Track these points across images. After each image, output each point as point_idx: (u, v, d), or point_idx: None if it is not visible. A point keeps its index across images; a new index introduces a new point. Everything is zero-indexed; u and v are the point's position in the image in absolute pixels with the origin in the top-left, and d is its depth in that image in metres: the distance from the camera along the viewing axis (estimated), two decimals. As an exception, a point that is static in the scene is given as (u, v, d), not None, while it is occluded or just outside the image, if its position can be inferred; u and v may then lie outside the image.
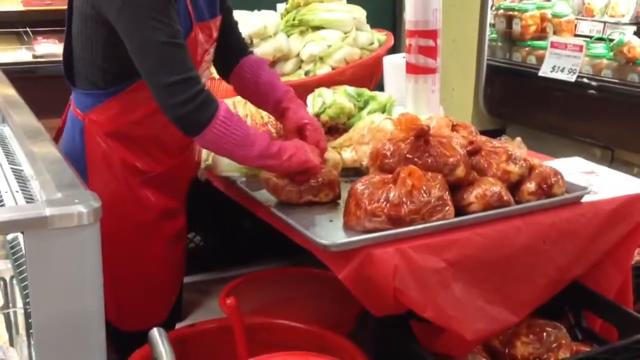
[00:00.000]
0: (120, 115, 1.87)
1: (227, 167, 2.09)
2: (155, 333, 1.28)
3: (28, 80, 3.48)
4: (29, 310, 1.15)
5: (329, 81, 2.70)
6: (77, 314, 1.15)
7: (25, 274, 1.13)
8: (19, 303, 1.19)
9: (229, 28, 2.09)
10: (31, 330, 1.16)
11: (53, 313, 1.14)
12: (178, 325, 2.25)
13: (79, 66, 1.90)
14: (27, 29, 3.87)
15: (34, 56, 3.75)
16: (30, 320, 1.15)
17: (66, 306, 1.14)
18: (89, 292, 1.16)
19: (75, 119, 1.94)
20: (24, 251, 1.12)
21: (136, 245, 1.98)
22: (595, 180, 2.05)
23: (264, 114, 2.56)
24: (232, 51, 2.12)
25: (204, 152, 2.22)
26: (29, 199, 1.26)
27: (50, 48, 3.76)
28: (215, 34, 1.98)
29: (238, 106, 2.51)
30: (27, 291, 1.14)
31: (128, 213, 1.94)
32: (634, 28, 3.86)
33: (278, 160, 1.79)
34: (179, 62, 1.69)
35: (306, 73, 2.82)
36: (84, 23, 1.82)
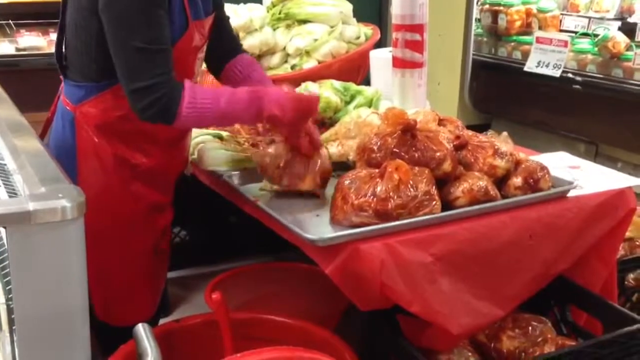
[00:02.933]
0: (111, 109, 1.85)
1: (213, 161, 2.08)
2: (141, 329, 1.27)
3: (11, 74, 3.45)
4: (11, 306, 1.14)
5: (316, 75, 2.69)
6: (61, 310, 1.14)
7: (8, 270, 1.12)
8: (2, 299, 1.18)
9: (221, 24, 2.08)
10: (14, 327, 1.15)
11: (36, 309, 1.13)
12: (163, 321, 2.24)
13: (72, 57, 1.88)
14: (10, 21, 3.83)
15: (17, 49, 3.71)
16: (13, 316, 1.14)
17: (50, 302, 1.13)
18: (73, 287, 1.15)
19: (66, 111, 1.91)
20: (6, 246, 1.10)
21: (125, 238, 1.96)
22: (581, 175, 2.06)
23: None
24: (224, 49, 2.11)
25: (190, 146, 2.21)
26: (12, 193, 1.24)
27: (34, 41, 3.72)
28: (208, 32, 1.97)
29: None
30: (9, 287, 1.13)
31: (118, 206, 1.92)
32: (619, 23, 3.88)
33: (266, 100, 1.78)
34: (148, 69, 1.69)
35: (292, 67, 2.80)
36: (79, 13, 1.80)
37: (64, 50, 1.92)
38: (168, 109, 1.71)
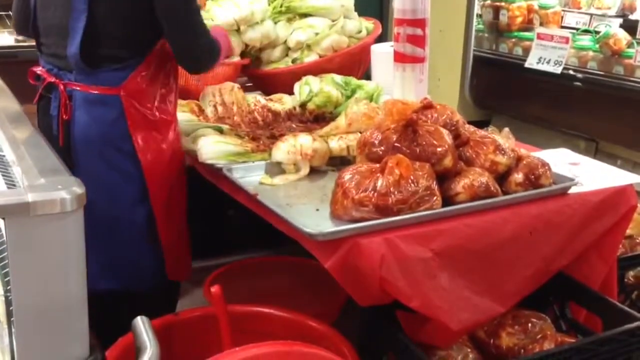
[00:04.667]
0: (147, 79, 2.03)
1: (213, 154, 2.07)
2: (139, 322, 1.26)
3: (10, 65, 3.43)
4: (10, 298, 1.13)
5: (316, 69, 2.68)
6: (60, 302, 1.14)
7: (7, 261, 1.11)
8: (0, 290, 1.17)
9: None
10: (12, 318, 1.14)
11: (35, 300, 1.12)
12: (162, 314, 2.23)
13: (103, 49, 1.98)
14: (10, 12, 3.81)
15: (16, 40, 3.69)
16: (11, 308, 1.13)
17: (48, 293, 1.13)
18: (71, 279, 1.15)
19: (103, 97, 1.99)
20: (5, 238, 1.09)
21: (180, 197, 2.21)
22: (582, 172, 2.05)
23: (251, 101, 2.55)
24: None
25: (190, 139, 2.20)
26: (11, 184, 1.24)
27: (33, 32, 3.70)
28: None
29: (224, 93, 2.49)
30: (8, 278, 1.12)
31: (171, 167, 2.13)
32: (620, 20, 3.87)
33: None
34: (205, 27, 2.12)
35: (293, 61, 2.79)
36: (124, 3, 1.97)
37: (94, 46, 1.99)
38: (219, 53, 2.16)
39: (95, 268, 2.03)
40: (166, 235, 2.14)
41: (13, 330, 1.15)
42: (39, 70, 2.09)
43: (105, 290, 2.03)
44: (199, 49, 2.07)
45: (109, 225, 2.04)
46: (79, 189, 1.10)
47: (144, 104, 2.04)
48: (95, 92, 1.99)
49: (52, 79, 2.03)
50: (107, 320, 1.89)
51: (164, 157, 2.10)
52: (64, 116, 2.00)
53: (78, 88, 2.00)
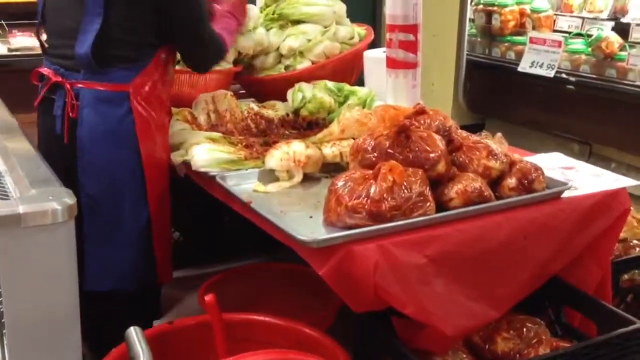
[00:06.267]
0: (153, 79, 2.10)
1: (206, 162, 2.07)
2: (132, 332, 1.26)
3: (3, 74, 3.43)
4: (1, 310, 1.13)
5: (309, 76, 2.68)
6: (52, 313, 1.13)
7: (-2, 273, 1.10)
8: (-8, 302, 1.17)
9: None
10: (4, 330, 1.14)
11: (27, 312, 1.12)
12: (157, 323, 2.22)
13: (116, 48, 2.04)
14: (3, 22, 3.81)
15: (10, 49, 3.69)
16: (2, 320, 1.12)
17: (40, 305, 1.12)
18: (63, 290, 1.14)
19: (113, 94, 2.05)
20: (-4, 249, 1.09)
21: (170, 197, 2.23)
22: (575, 176, 2.05)
23: (244, 109, 2.54)
24: None
25: (182, 148, 2.20)
26: (2, 195, 1.23)
27: (26, 41, 3.71)
28: None
29: (217, 101, 2.48)
30: (-1, 290, 1.12)
31: (166, 164, 2.19)
32: (612, 24, 3.89)
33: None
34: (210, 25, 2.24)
35: (286, 67, 2.79)
36: (132, 6, 2.03)
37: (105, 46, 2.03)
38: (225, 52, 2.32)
39: (95, 268, 2.05)
40: (159, 237, 2.17)
41: (5, 341, 1.15)
42: (44, 70, 2.13)
43: (103, 292, 2.07)
44: (207, 55, 2.24)
45: (111, 223, 2.07)
46: (69, 199, 1.10)
47: (149, 104, 2.10)
48: (104, 89, 2.04)
49: (58, 79, 2.07)
50: (94, 320, 1.93)
51: (162, 158, 2.16)
52: (71, 114, 2.04)
53: (86, 86, 2.04)
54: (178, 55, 2.31)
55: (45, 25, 2.19)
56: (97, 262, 2.07)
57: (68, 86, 2.05)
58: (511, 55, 4.27)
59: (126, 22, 2.04)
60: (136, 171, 2.08)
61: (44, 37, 2.25)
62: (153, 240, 2.15)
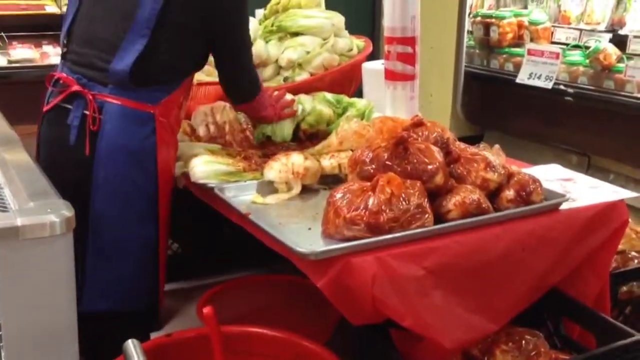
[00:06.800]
0: (177, 104, 2.13)
1: (205, 174, 2.07)
2: (130, 345, 1.26)
3: (2, 86, 3.44)
4: (-1, 323, 1.12)
5: (308, 87, 2.69)
6: (50, 326, 1.13)
7: (-4, 285, 1.10)
8: (-11, 315, 1.16)
9: None
10: (2, 343, 1.13)
11: (25, 325, 1.12)
12: (155, 335, 2.22)
13: (155, 69, 2.05)
14: (3, 33, 3.82)
15: (9, 61, 3.70)
16: (0, 333, 1.12)
17: (38, 318, 1.12)
18: (61, 303, 1.14)
19: (139, 113, 2.03)
20: (-6, 262, 1.09)
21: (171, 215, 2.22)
22: (573, 188, 2.06)
23: (242, 120, 2.55)
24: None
25: (181, 160, 2.20)
26: (0, 208, 1.23)
27: (26, 53, 3.71)
28: None
29: (216, 113, 2.49)
30: (-3, 303, 1.12)
31: (172, 184, 2.19)
32: (610, 35, 3.90)
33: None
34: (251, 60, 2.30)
35: (285, 79, 2.80)
36: (181, 31, 2.06)
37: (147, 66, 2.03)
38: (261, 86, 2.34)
39: (95, 286, 2.03)
40: (163, 255, 2.15)
41: (2, 354, 1.14)
42: (61, 75, 2.07)
43: (103, 311, 2.04)
44: (247, 84, 2.28)
45: (118, 240, 2.05)
46: (68, 212, 1.10)
47: (170, 126, 2.10)
48: (132, 107, 2.02)
49: (79, 88, 2.02)
50: (91, 333, 1.91)
51: (172, 177, 2.17)
52: (92, 127, 2.00)
53: (112, 100, 2.01)
54: None
55: (73, 30, 2.13)
56: (98, 279, 2.05)
57: (90, 97, 2.00)
58: (509, 66, 4.28)
59: (171, 47, 2.04)
60: (150, 191, 2.05)
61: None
62: (159, 259, 2.13)
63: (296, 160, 2.02)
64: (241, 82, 2.28)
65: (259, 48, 2.76)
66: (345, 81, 2.83)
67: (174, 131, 2.15)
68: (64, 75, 2.07)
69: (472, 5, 4.61)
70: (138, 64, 1.98)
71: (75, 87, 2.02)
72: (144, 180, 2.04)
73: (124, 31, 2.00)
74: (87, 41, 2.09)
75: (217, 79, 2.60)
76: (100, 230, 2.02)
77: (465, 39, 4.39)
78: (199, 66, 2.19)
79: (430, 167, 1.75)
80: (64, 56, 2.16)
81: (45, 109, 2.10)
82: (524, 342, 1.85)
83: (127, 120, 2.02)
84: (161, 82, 2.06)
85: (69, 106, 2.03)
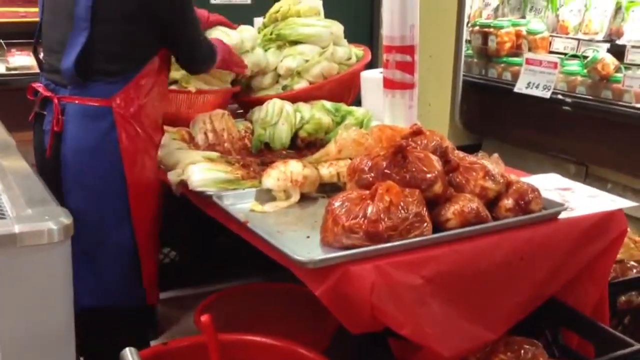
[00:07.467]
0: (136, 95, 2.08)
1: (202, 181, 2.07)
2: (128, 353, 1.25)
3: (1, 93, 3.44)
4: (-4, 330, 1.12)
5: (307, 96, 2.69)
6: (47, 334, 1.13)
7: (-7, 293, 1.10)
8: (-13, 322, 1.16)
9: None
10: (-2, 351, 1.13)
11: (22, 331, 1.11)
12: (152, 343, 2.21)
13: (99, 61, 2.04)
14: (1, 41, 3.82)
15: (8, 68, 3.70)
16: (-3, 340, 1.12)
17: (35, 325, 1.12)
18: (59, 310, 1.14)
19: (94, 108, 2.03)
20: (-9, 269, 1.09)
21: (160, 218, 2.23)
22: (572, 197, 2.06)
23: (241, 128, 2.55)
24: None
25: (179, 167, 2.20)
26: (-2, 214, 1.23)
27: (24, 60, 3.71)
28: None
29: (215, 120, 2.49)
30: (-6, 310, 1.11)
31: (154, 181, 2.19)
32: (608, 45, 3.90)
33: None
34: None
35: (284, 88, 2.80)
36: (121, 20, 2.04)
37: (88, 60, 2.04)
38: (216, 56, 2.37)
39: (78, 285, 2.03)
40: (145, 257, 2.16)
41: (-1, 362, 1.14)
42: (37, 85, 2.15)
43: (87, 308, 2.03)
44: (200, 58, 2.29)
45: (96, 240, 2.06)
46: (66, 219, 1.10)
47: (137, 121, 2.08)
48: (89, 104, 2.04)
49: (48, 94, 2.09)
50: (88, 341, 1.92)
51: (149, 177, 2.16)
52: (56, 128, 2.04)
53: (71, 101, 2.04)
54: (171, 75, 2.34)
55: (42, 41, 2.22)
56: (80, 278, 2.05)
57: (56, 101, 2.05)
58: (507, 76, 4.28)
59: (113, 35, 2.04)
60: (119, 188, 2.06)
61: (41, 54, 2.26)
62: (140, 259, 2.14)
63: (295, 168, 2.01)
64: (195, 60, 2.29)
65: (258, 57, 2.76)
66: (343, 90, 2.83)
67: (142, 123, 2.11)
68: (39, 84, 2.16)
69: (470, 14, 4.62)
70: (82, 59, 2.01)
71: (45, 93, 2.09)
72: (111, 177, 2.05)
73: (69, 30, 2.04)
74: (49, 48, 2.17)
75: (215, 88, 2.61)
76: (80, 233, 2.02)
77: (464, 48, 4.39)
78: (154, 53, 2.13)
79: (429, 175, 1.75)
80: (40, 67, 2.25)
81: (29, 118, 2.17)
82: (522, 351, 1.85)
83: (86, 118, 2.05)
84: (110, 74, 2.05)
85: (45, 112, 2.10)
